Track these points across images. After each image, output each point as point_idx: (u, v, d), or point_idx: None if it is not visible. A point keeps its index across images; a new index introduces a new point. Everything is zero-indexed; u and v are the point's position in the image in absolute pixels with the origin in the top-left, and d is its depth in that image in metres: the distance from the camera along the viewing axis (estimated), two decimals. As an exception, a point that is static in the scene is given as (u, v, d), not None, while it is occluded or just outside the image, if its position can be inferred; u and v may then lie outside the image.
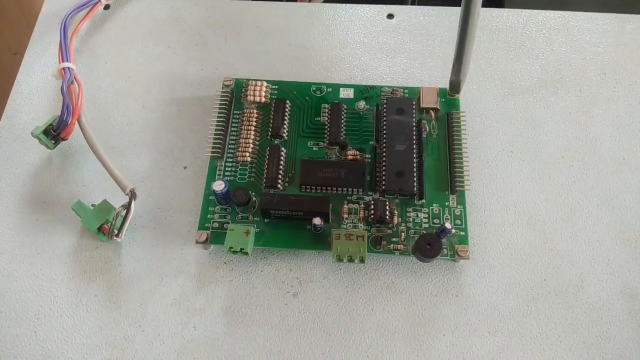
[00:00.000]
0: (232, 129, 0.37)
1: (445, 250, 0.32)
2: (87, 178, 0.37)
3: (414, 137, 0.35)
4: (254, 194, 0.34)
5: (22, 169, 0.38)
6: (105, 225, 0.33)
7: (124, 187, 0.33)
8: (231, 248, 0.32)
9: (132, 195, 0.33)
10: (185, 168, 0.37)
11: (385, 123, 0.35)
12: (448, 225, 0.31)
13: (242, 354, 0.31)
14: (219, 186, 0.32)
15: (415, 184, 0.33)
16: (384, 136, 0.35)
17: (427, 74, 0.40)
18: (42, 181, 0.37)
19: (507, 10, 0.44)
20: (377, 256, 0.33)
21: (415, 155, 0.34)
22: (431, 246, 0.31)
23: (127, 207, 0.32)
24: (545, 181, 0.36)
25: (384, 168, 0.34)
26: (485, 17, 0.43)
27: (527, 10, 0.44)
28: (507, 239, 0.34)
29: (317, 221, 0.32)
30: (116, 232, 0.33)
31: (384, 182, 0.34)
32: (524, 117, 0.39)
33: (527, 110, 0.39)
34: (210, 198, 0.34)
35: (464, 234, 0.33)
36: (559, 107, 0.39)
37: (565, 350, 0.31)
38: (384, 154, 0.34)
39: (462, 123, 0.36)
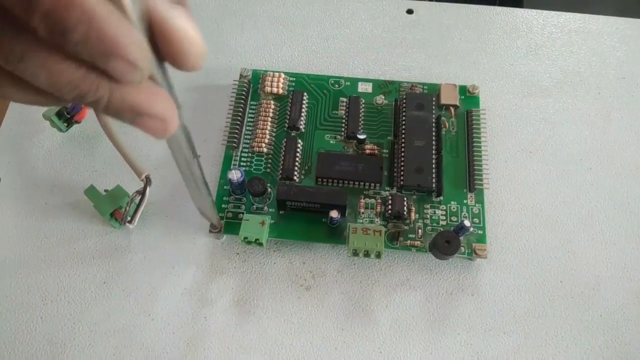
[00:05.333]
0: (248, 119, 0.36)
1: (462, 248, 0.32)
2: (98, 163, 0.37)
3: (433, 133, 0.34)
4: (269, 184, 0.34)
5: (32, 151, 0.37)
6: (118, 210, 0.33)
7: (139, 172, 0.32)
8: (245, 238, 0.31)
9: (147, 181, 0.32)
10: (198, 156, 0.37)
11: (404, 118, 0.35)
12: (467, 223, 0.31)
13: (253, 346, 0.31)
14: (235, 175, 0.32)
15: (433, 180, 0.33)
16: (403, 131, 0.35)
17: (446, 71, 0.40)
18: (52, 164, 0.36)
19: (526, 10, 0.43)
20: (392, 252, 0.33)
21: (434, 152, 0.34)
22: (449, 243, 0.30)
23: (142, 193, 0.32)
24: (563, 182, 0.36)
25: (402, 163, 0.34)
26: (505, 16, 0.43)
27: (546, 11, 0.43)
28: (524, 239, 0.34)
29: (334, 214, 0.31)
30: (129, 218, 0.32)
31: (402, 177, 0.33)
32: (543, 117, 0.38)
33: (545, 111, 0.38)
34: (225, 187, 0.34)
35: (481, 232, 0.32)
36: (577, 109, 0.39)
37: (579, 353, 0.31)
38: (403, 149, 0.34)
39: (481, 120, 0.36)
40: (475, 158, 0.34)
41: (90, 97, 0.15)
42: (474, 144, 0.35)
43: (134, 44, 0.14)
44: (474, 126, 0.35)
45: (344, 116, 0.36)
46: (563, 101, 0.39)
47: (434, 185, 0.33)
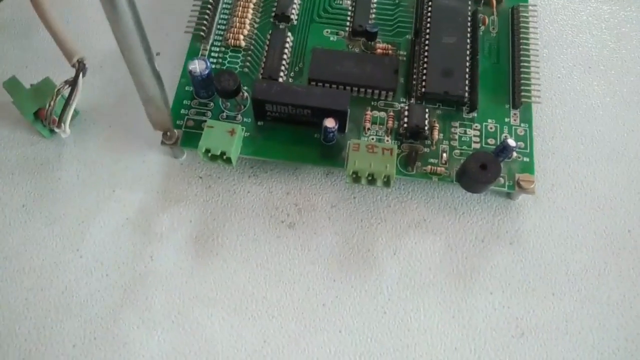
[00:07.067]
0: (224, 5, 0.28)
1: (501, 178, 0.24)
2: (30, 57, 0.28)
3: (468, 29, 0.26)
4: (246, 88, 0.25)
5: (-55, 39, 0.29)
6: (43, 109, 0.25)
7: (69, 54, 0.24)
8: (207, 151, 0.23)
9: (80, 67, 0.24)
10: (157, 54, 0.28)
11: (430, 8, 0.26)
12: (511, 142, 0.22)
13: (212, 297, 0.23)
14: (198, 66, 0.23)
15: (466, 88, 0.25)
16: (428, 25, 0.26)
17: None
18: (-32, 56, 0.28)
19: None
20: (406, 180, 0.25)
21: (468, 52, 0.25)
22: (485, 169, 0.22)
23: (72, 84, 0.24)
24: (632, 107, 0.27)
25: (424, 65, 0.25)
26: None
27: None
28: (582, 175, 0.26)
29: (330, 123, 0.23)
30: (54, 118, 0.24)
31: (423, 82, 0.25)
32: (607, 26, 0.30)
33: (610, 20, 0.30)
34: (187, 88, 0.26)
35: (528, 160, 0.24)
36: (651, 20, 0.30)
37: (653, 326, 0.23)
38: (427, 47, 0.25)
39: (530, 20, 0.27)
40: (522, 65, 0.26)
41: None
42: (522, 48, 0.26)
43: None
44: (522, 26, 0.27)
45: (350, 7, 0.28)
46: (632, 9, 0.30)
47: (466, 94, 0.24)
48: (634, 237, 0.24)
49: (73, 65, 0.24)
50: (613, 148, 0.26)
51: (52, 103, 0.24)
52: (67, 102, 0.24)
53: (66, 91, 0.24)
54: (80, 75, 0.23)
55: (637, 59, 0.29)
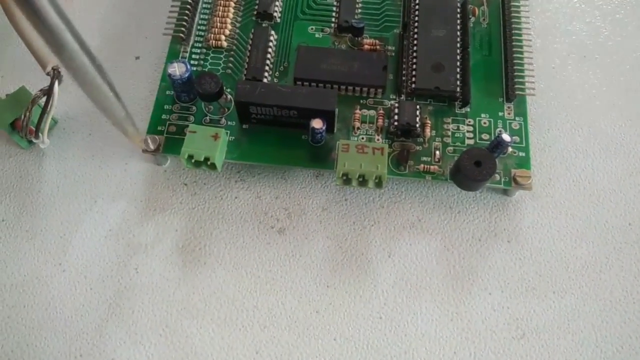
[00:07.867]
0: (204, 5, 0.27)
1: (497, 175, 0.23)
2: (5, 66, 0.27)
3: (458, 22, 0.25)
4: (229, 90, 0.25)
5: None
6: (19, 120, 0.24)
7: (44, 62, 0.23)
8: (191, 157, 0.22)
9: (55, 75, 0.23)
10: (137, 58, 0.27)
11: (418, 0, 0.25)
12: (506, 137, 0.21)
13: (201, 308, 0.22)
14: (178, 69, 0.23)
15: (457, 82, 0.24)
16: (416, 18, 0.25)
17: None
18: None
19: None
20: (398, 180, 0.24)
21: (458, 46, 0.24)
22: (480, 165, 0.21)
23: (48, 92, 0.23)
24: (630, 96, 0.27)
25: (414, 60, 0.24)
26: None
27: None
28: (580, 168, 0.25)
29: (317, 123, 0.22)
30: (32, 128, 0.23)
31: (413, 78, 0.24)
32: (601, 13, 0.29)
33: (604, 7, 0.29)
34: (168, 93, 0.25)
35: (524, 154, 0.23)
36: (646, 5, 0.29)
37: (657, 322, 0.22)
38: (415, 41, 0.25)
39: (521, 9, 0.26)
40: (515, 56, 0.25)
41: None
42: (514, 39, 0.25)
43: None
44: (514, 16, 0.26)
45: (335, 2, 0.27)
46: (628, -5, 0.29)
47: (458, 89, 0.24)
48: (635, 230, 0.23)
49: (48, 73, 0.23)
50: (611, 139, 0.25)
51: (27, 113, 0.23)
52: (44, 111, 0.23)
53: (42, 100, 0.23)
54: (56, 83, 0.22)
55: (633, 46, 0.28)
